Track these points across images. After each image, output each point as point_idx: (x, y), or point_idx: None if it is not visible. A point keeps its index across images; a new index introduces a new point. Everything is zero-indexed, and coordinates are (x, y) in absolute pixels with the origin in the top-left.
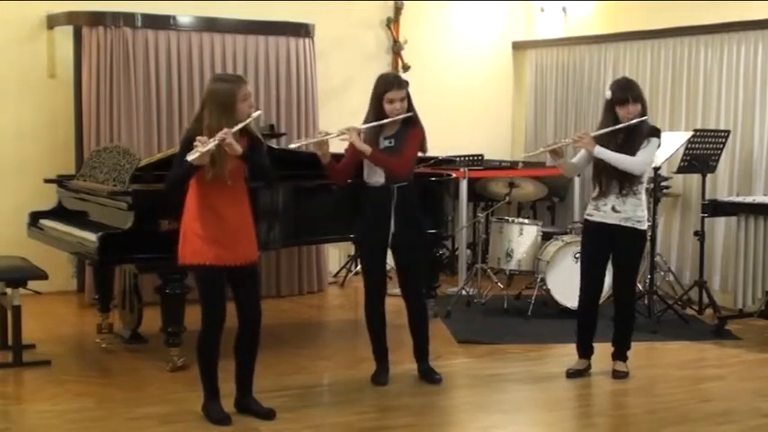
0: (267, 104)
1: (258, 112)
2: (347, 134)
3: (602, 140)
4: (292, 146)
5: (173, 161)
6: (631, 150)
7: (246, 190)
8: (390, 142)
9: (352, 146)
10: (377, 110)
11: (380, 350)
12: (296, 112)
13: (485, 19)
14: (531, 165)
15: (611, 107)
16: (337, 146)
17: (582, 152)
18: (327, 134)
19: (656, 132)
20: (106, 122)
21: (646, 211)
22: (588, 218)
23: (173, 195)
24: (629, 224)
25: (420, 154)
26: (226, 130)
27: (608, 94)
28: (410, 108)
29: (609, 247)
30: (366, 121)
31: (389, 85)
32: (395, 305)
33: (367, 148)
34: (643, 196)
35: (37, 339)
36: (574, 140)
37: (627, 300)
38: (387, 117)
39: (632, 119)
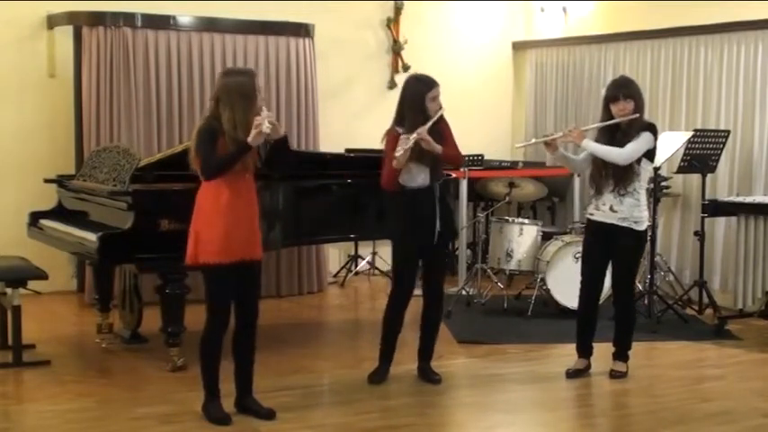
0: (267, 104)
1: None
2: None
3: (598, 138)
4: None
5: (203, 154)
6: (623, 146)
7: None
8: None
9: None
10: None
11: (389, 352)
12: (296, 112)
13: (485, 19)
14: (531, 165)
15: (606, 104)
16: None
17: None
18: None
19: (649, 127)
20: (106, 122)
21: (645, 212)
22: (590, 217)
23: (212, 178)
24: (625, 224)
25: None
26: (271, 114)
27: (603, 91)
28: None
29: (609, 247)
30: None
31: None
32: None
33: (438, 148)
34: (642, 197)
35: (37, 339)
36: (564, 134)
37: (626, 300)
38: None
39: (624, 116)
